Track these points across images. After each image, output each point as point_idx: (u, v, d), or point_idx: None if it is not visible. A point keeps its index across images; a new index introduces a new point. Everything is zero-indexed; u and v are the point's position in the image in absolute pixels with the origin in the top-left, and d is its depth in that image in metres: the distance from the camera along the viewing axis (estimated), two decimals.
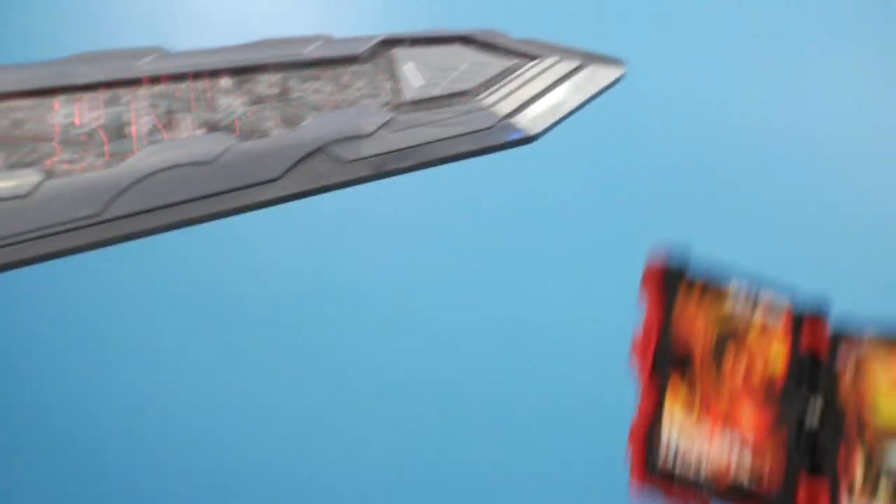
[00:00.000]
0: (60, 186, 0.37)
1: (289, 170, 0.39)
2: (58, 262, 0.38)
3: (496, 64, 0.42)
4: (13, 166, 0.38)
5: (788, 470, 0.21)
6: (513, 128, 0.42)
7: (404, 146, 0.40)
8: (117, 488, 0.40)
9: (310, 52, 0.40)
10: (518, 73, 0.42)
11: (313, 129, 0.39)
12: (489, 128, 0.41)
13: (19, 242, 0.37)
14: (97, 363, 0.41)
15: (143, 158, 0.38)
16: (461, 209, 0.43)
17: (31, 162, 0.38)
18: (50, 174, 0.38)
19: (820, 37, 0.56)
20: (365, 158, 0.40)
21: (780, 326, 0.23)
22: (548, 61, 0.42)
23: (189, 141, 0.39)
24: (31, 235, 0.37)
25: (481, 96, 0.42)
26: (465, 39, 0.43)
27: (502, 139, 0.42)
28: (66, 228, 0.37)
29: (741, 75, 0.51)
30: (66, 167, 0.38)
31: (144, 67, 0.39)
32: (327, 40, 0.41)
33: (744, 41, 0.53)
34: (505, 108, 0.42)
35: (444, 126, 0.41)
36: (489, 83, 0.42)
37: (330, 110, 0.40)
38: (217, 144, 0.38)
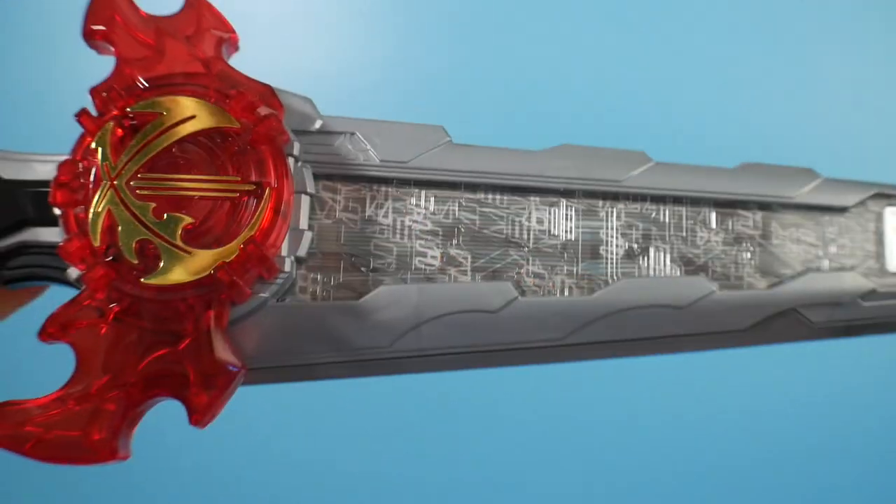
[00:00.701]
0: (530, 308, 0.34)
1: (755, 324, 0.36)
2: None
3: None
4: (482, 269, 0.35)
5: None
6: None
7: (873, 317, 0.37)
8: None
9: (801, 195, 0.36)
10: None
11: (791, 289, 0.36)
12: None
13: (476, 353, 0.35)
14: None
15: (618, 292, 0.35)
16: None
17: (501, 270, 0.35)
18: (519, 286, 0.35)
19: None
20: (833, 324, 0.37)
21: None
22: None
23: (669, 281, 0.35)
24: (489, 349, 0.35)
25: None
26: None
27: None
28: (524, 347, 0.35)
29: None
30: (533, 282, 0.35)
31: (627, 181, 0.35)
32: (819, 180, 0.36)
33: None
34: None
35: None
36: None
37: (810, 269, 0.36)
38: (696, 290, 0.35)
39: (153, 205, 0.31)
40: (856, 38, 0.90)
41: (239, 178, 0.32)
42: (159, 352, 0.31)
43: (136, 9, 0.34)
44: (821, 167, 0.37)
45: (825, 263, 0.37)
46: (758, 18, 0.88)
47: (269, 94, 0.33)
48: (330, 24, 0.88)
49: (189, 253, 0.31)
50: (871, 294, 0.36)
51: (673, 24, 0.89)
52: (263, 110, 0.32)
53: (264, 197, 0.32)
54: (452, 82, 0.87)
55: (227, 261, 0.31)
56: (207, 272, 0.31)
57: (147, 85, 0.33)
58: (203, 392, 0.31)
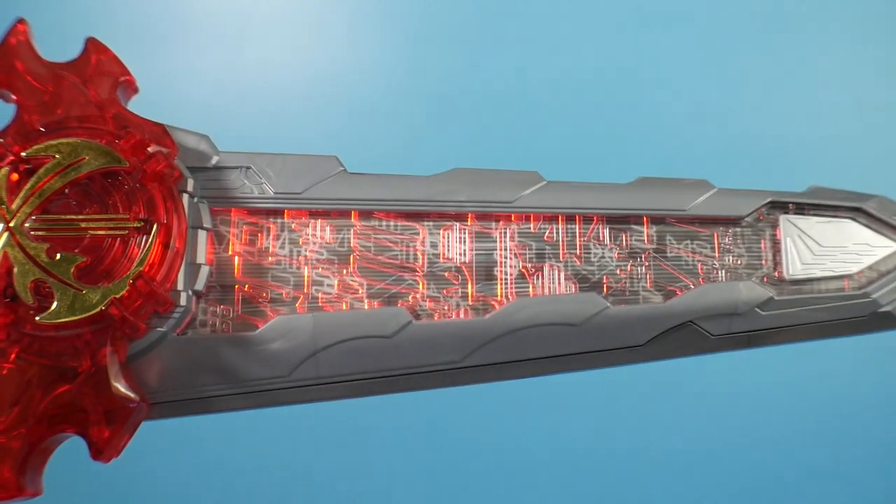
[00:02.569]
0: (425, 331, 0.35)
1: (653, 339, 0.36)
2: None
3: (886, 245, 0.38)
4: (378, 296, 0.36)
5: None
6: (890, 319, 0.38)
7: (773, 326, 0.37)
8: None
9: (695, 206, 0.36)
10: None
11: (687, 301, 0.36)
12: (864, 317, 0.38)
13: (375, 379, 0.35)
14: None
15: (511, 312, 0.35)
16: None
17: (396, 295, 0.36)
18: (413, 312, 0.35)
19: None
20: (732, 335, 0.37)
21: None
22: None
23: (561, 299, 0.36)
24: (387, 374, 0.35)
25: (863, 281, 0.38)
26: (857, 210, 0.38)
27: (876, 330, 0.38)
28: (423, 371, 0.35)
29: None
30: (429, 305, 0.36)
31: (518, 202, 0.36)
32: (713, 191, 0.37)
33: None
34: (885, 297, 0.38)
35: (819, 310, 0.37)
36: (874, 267, 0.38)
37: (706, 281, 0.37)
38: (589, 306, 0.35)
39: (47, 245, 0.32)
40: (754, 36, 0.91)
41: (128, 216, 0.33)
42: (60, 388, 0.32)
43: (36, 56, 0.35)
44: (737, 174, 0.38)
45: (721, 274, 0.37)
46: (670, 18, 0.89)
47: (161, 133, 0.34)
48: (330, 25, 0.90)
49: (81, 290, 0.32)
50: (769, 302, 0.36)
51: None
52: (154, 149, 0.33)
53: (152, 233, 0.32)
54: (452, 87, 0.88)
55: (118, 296, 0.32)
56: (98, 308, 0.31)
57: (44, 130, 0.34)
58: (104, 427, 0.32)
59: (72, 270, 0.32)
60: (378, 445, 0.83)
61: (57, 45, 0.37)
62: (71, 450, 0.35)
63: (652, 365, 0.38)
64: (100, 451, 0.32)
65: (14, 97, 0.35)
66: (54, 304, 0.31)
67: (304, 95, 0.87)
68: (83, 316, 0.31)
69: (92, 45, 0.35)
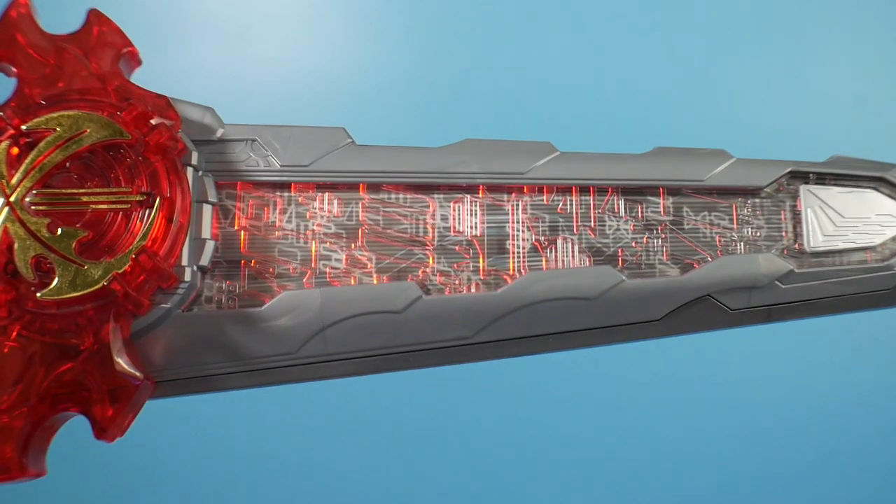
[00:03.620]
0: (435, 306, 0.34)
1: (670, 313, 0.35)
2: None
3: None
4: (387, 270, 0.35)
5: None
6: None
7: (795, 300, 0.36)
8: None
9: (712, 177, 0.35)
10: None
11: (704, 274, 0.35)
12: (888, 290, 0.37)
13: (384, 355, 0.34)
14: None
15: (524, 286, 0.34)
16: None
17: (406, 269, 0.35)
18: (423, 287, 0.35)
19: None
20: (752, 308, 0.36)
21: None
22: None
23: (576, 272, 0.35)
24: (397, 350, 0.34)
25: (886, 253, 0.37)
26: (880, 180, 0.37)
27: None
28: (433, 347, 0.34)
29: None
30: (439, 280, 0.35)
31: (531, 173, 0.35)
32: (731, 161, 0.36)
33: None
34: None
35: (841, 283, 0.36)
36: None
37: (724, 254, 0.36)
38: (604, 280, 0.34)
39: (48, 220, 0.31)
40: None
41: (130, 189, 0.32)
42: (63, 366, 0.31)
43: (38, 28, 0.34)
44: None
45: (740, 246, 0.36)
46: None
47: (164, 105, 0.33)
48: (330, 24, 0.89)
49: (82, 266, 0.31)
50: (790, 275, 0.35)
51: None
52: (157, 121, 0.32)
53: (155, 206, 0.32)
54: (454, 84, 0.87)
55: (120, 272, 0.31)
56: (101, 284, 0.31)
57: (44, 103, 0.33)
58: (108, 406, 0.31)
59: (73, 245, 0.31)
60: (378, 436, 0.82)
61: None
62: (74, 432, 0.34)
63: (665, 356, 0.37)
64: (103, 431, 0.31)
65: (15, 70, 0.34)
66: (56, 280, 0.31)
67: (306, 92, 0.87)
68: (85, 292, 0.31)
69: (94, 17, 0.35)
